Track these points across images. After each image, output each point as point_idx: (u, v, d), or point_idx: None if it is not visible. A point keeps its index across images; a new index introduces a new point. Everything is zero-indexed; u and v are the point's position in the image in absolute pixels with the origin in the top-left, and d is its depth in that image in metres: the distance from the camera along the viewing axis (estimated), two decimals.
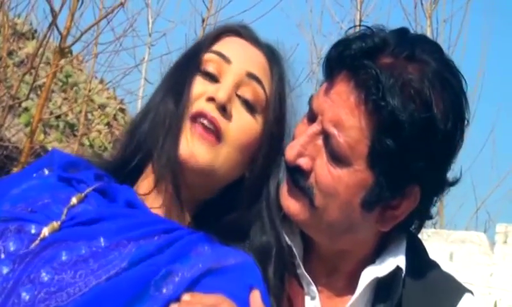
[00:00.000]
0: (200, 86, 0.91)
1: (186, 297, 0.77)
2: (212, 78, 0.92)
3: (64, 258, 0.80)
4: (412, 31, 0.98)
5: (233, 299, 0.79)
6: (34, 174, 0.96)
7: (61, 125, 6.96)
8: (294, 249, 0.96)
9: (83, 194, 0.90)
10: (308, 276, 0.96)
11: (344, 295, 0.98)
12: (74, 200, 0.88)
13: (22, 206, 0.87)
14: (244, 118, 0.91)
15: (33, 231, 0.83)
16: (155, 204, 0.92)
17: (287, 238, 0.95)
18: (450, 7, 8.98)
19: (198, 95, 0.90)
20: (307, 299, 0.97)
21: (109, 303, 0.76)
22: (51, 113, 6.09)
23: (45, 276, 0.78)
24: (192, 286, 0.80)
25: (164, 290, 0.78)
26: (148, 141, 0.92)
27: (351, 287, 0.96)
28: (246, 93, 0.92)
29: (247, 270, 0.85)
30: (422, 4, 8.47)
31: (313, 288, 0.96)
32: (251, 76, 0.92)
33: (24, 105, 5.84)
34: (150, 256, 0.81)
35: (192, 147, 0.87)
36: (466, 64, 8.57)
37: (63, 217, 0.85)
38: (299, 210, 0.93)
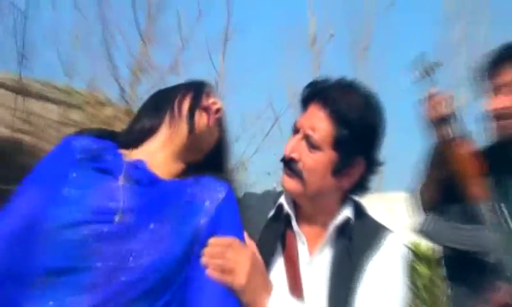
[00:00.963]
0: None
1: (210, 241, 1.24)
2: None
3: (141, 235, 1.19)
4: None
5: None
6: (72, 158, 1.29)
7: None
8: (291, 214, 1.51)
9: (121, 189, 1.24)
10: (299, 230, 1.51)
11: (320, 238, 1.51)
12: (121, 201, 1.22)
13: (85, 209, 1.19)
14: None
15: (105, 229, 1.17)
16: (164, 172, 1.32)
17: (287, 208, 1.51)
18: None
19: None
20: (299, 244, 1.51)
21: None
22: None
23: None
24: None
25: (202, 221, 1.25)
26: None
27: (323, 233, 1.50)
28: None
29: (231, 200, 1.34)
30: None
31: (303, 238, 1.51)
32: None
33: None
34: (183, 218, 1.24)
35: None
36: None
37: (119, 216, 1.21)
38: (295, 186, 1.47)
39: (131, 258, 1.17)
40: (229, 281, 1.24)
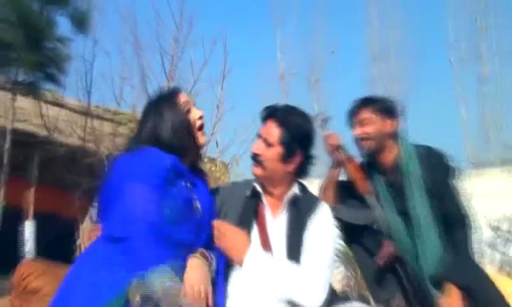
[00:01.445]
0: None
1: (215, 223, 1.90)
2: None
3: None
4: None
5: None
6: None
7: None
8: (260, 191, 2.01)
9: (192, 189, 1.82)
10: (266, 202, 2.01)
11: (278, 207, 2.00)
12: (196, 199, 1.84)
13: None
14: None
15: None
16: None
17: (258, 188, 2.00)
18: None
19: (193, 120, 1.93)
20: (266, 211, 2.00)
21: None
22: None
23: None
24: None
25: None
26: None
27: (280, 203, 2.00)
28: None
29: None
30: None
31: (268, 207, 2.00)
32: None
33: None
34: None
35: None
36: None
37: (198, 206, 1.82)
38: (259, 171, 1.97)
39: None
40: (221, 245, 1.86)
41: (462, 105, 13.14)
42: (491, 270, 7.57)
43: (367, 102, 2.50)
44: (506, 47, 13.09)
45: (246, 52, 24.68)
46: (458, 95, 13.18)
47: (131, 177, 1.67)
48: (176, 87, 1.99)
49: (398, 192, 2.44)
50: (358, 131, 2.48)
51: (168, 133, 1.81)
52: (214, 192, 2.06)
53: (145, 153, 1.73)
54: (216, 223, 1.90)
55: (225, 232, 1.87)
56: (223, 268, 1.83)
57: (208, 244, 1.84)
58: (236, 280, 1.85)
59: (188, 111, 1.90)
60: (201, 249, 1.73)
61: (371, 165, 2.57)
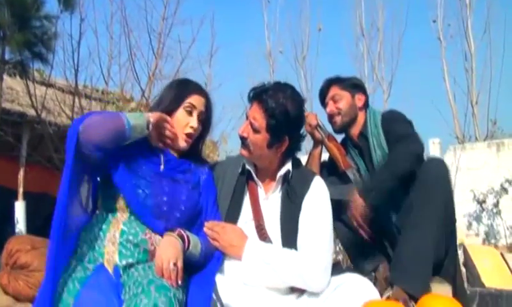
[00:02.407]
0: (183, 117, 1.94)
1: (206, 224, 1.90)
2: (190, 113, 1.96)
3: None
4: None
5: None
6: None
7: None
8: (251, 170, 2.00)
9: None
10: (257, 179, 2.01)
11: (271, 184, 2.02)
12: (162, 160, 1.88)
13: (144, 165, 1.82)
14: (201, 128, 1.98)
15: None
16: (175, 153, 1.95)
17: (247, 166, 2.00)
18: None
19: (184, 123, 1.93)
20: (258, 188, 2.01)
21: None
22: None
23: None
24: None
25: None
26: None
27: (273, 180, 2.01)
28: (202, 116, 1.98)
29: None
30: None
31: (261, 183, 2.02)
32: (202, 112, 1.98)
33: None
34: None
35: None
36: None
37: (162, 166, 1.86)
38: (246, 153, 1.96)
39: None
40: (218, 244, 1.86)
41: (449, 80, 13.24)
42: (477, 241, 7.81)
43: (335, 81, 2.67)
44: (492, 23, 13.18)
45: (234, 30, 24.76)
46: (445, 71, 13.26)
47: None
48: (196, 86, 2.03)
49: (367, 158, 2.59)
50: (332, 106, 2.63)
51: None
52: (212, 168, 2.09)
53: None
54: (209, 224, 1.91)
55: (219, 231, 1.88)
56: (217, 257, 1.87)
57: (197, 230, 1.89)
58: (235, 273, 1.85)
59: (189, 113, 1.94)
60: (179, 229, 1.76)
61: (346, 141, 2.71)
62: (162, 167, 1.88)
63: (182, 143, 1.94)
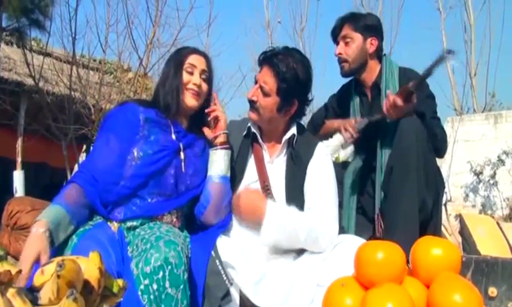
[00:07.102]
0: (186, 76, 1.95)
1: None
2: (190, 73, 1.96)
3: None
4: None
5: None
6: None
7: None
8: (256, 133, 2.04)
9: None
10: (262, 142, 2.05)
11: (276, 147, 2.06)
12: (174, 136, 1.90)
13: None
14: (206, 86, 1.99)
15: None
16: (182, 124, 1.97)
17: (253, 128, 2.03)
18: None
19: (186, 81, 1.94)
20: (263, 151, 2.05)
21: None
22: None
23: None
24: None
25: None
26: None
27: (278, 144, 2.05)
28: (205, 74, 1.99)
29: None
30: None
31: (265, 146, 2.05)
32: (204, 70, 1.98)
33: None
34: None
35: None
36: None
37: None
38: (255, 117, 2.00)
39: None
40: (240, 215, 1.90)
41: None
42: (473, 212, 7.87)
43: (349, 19, 2.54)
44: None
45: (233, 1, 24.43)
46: (444, 43, 13.16)
47: (103, 128, 1.88)
48: (192, 48, 2.03)
49: (368, 111, 2.52)
50: (340, 49, 2.53)
51: (159, 90, 1.96)
52: None
53: (121, 107, 1.91)
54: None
55: (239, 202, 1.91)
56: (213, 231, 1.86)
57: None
58: (237, 233, 1.91)
59: (190, 73, 1.95)
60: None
61: (350, 86, 2.66)
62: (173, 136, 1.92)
63: (190, 101, 1.94)
